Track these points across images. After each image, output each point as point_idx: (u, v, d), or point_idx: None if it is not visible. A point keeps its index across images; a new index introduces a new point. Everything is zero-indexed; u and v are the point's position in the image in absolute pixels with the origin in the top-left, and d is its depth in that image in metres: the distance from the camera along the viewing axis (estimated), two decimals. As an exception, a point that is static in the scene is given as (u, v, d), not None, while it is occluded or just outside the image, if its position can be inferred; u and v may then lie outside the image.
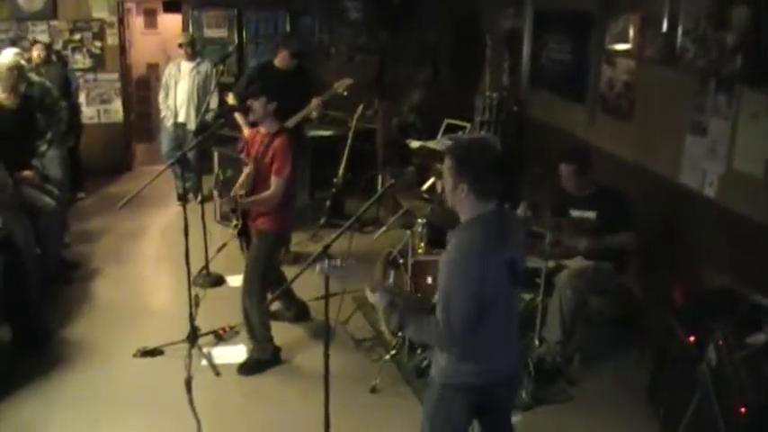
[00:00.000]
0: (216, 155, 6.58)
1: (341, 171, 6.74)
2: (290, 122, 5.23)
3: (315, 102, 5.50)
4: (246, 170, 4.24)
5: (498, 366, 2.54)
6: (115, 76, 8.09)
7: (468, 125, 6.70)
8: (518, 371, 2.87)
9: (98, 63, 8.00)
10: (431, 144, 6.53)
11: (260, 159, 4.14)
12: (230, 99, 6.01)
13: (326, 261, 2.59)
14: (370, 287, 2.56)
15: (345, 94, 5.70)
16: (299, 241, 6.05)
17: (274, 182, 4.07)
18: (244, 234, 4.36)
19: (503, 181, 2.43)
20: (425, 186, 5.13)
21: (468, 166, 2.41)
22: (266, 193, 4.09)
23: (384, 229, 5.38)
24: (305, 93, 5.60)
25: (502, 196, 2.47)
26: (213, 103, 6.84)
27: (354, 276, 2.64)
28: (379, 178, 6.67)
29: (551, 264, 4.07)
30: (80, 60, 7.94)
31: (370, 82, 7.48)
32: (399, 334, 4.21)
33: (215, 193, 4.43)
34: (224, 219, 6.14)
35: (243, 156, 4.43)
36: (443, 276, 2.37)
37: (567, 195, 4.27)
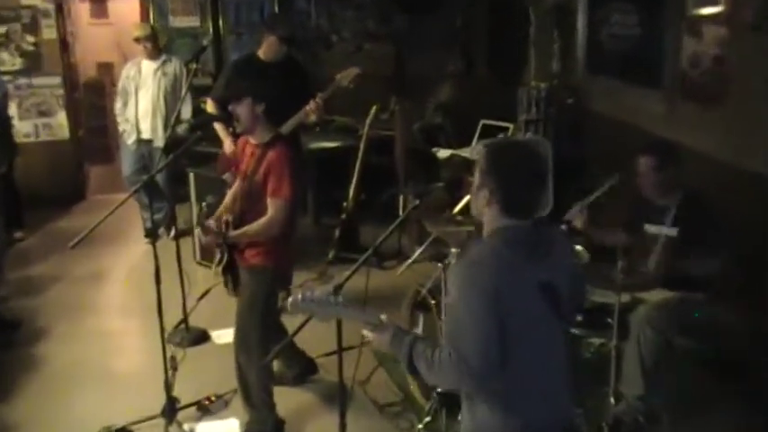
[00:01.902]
0: (192, 178, 6.70)
1: (352, 192, 6.83)
2: (284, 129, 5.31)
3: (313, 102, 5.58)
4: (232, 190, 4.29)
5: (542, 423, 2.53)
6: (56, 80, 8.04)
7: (510, 126, 6.78)
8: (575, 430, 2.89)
9: (32, 63, 7.90)
10: (464, 152, 6.57)
11: (251, 177, 4.21)
12: (208, 106, 6.15)
13: (300, 294, 2.64)
14: (370, 324, 2.63)
15: (352, 86, 5.73)
16: (304, 282, 6.13)
17: (272, 205, 4.13)
18: (230, 271, 4.41)
19: (542, 195, 2.52)
20: (459, 207, 5.12)
21: (498, 171, 2.53)
22: (262, 221, 4.15)
23: (409, 262, 5.39)
24: (300, 89, 5.68)
25: (551, 214, 2.55)
26: (186, 111, 6.96)
27: (344, 314, 2.68)
28: (401, 199, 6.72)
29: (625, 298, 4.06)
30: (7, 60, 7.85)
31: (384, 77, 7.58)
32: (430, 392, 4.23)
33: (196, 232, 4.47)
34: (205, 257, 6.24)
35: (227, 175, 4.53)
36: (451, 298, 2.47)
37: (643, 205, 4.29)
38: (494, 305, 2.38)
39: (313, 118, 5.65)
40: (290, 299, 2.65)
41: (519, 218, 2.52)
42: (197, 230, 4.31)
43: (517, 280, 2.44)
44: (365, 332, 2.64)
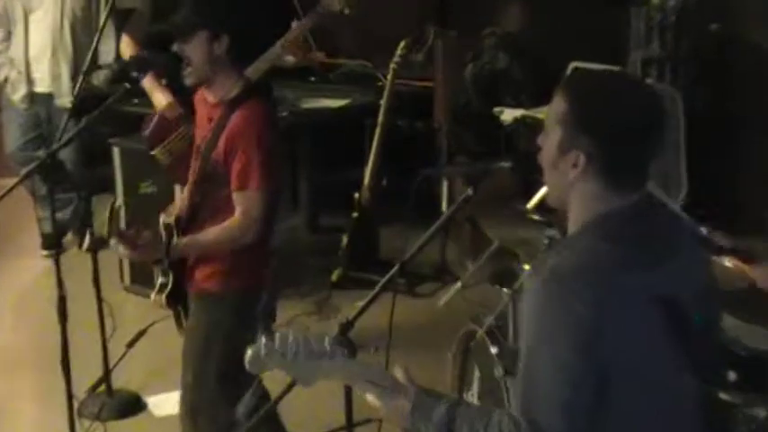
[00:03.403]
0: (117, 155, 6.82)
1: (368, 175, 6.94)
2: (251, 71, 5.31)
3: (295, 28, 5.66)
4: (184, 187, 4.41)
5: None
6: None
7: (616, 70, 6.74)
8: None
9: None
10: (542, 113, 6.34)
11: (205, 154, 4.29)
12: (123, 45, 6.35)
13: (263, 341, 2.51)
14: (377, 387, 2.51)
15: (348, 11, 5.81)
16: (295, 315, 6.24)
17: (240, 198, 4.20)
18: (179, 301, 4.44)
19: (658, 162, 2.43)
20: (536, 199, 5.12)
21: (598, 120, 2.44)
22: (225, 224, 4.22)
23: (457, 287, 5.40)
24: (278, 12, 5.89)
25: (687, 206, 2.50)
26: (107, 50, 7.04)
27: (337, 373, 2.55)
28: (444, 186, 6.82)
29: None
30: None
31: None
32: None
33: (112, 244, 4.45)
34: (138, 280, 6.30)
35: (159, 150, 4.58)
36: (525, 341, 2.43)
37: None
38: (591, 348, 2.32)
39: (289, 59, 5.80)
40: (248, 350, 2.52)
41: (629, 190, 2.46)
42: (112, 241, 4.29)
43: (626, 298, 2.37)
44: (370, 397, 2.53)
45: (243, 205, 4.17)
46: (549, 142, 2.50)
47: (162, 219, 4.36)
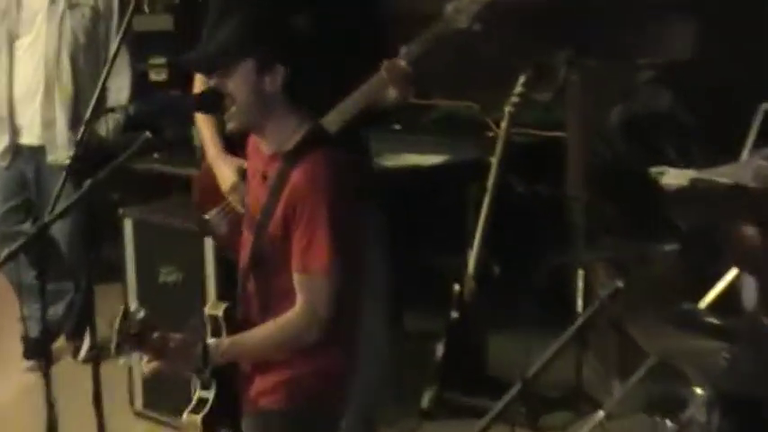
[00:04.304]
0: (129, 228, 6.85)
1: (473, 260, 6.88)
2: (330, 121, 5.37)
3: (391, 64, 5.58)
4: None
5: None
6: None
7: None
8: None
9: None
10: (723, 175, 6.31)
11: (261, 225, 4.34)
12: (154, 73, 6.41)
13: None
14: None
15: (478, 28, 5.69)
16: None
17: (303, 284, 4.23)
18: (219, 424, 4.47)
19: None
20: (712, 295, 5.17)
21: None
22: (284, 318, 4.26)
23: (599, 416, 5.23)
24: (368, 36, 5.74)
25: None
26: (119, 87, 7.16)
27: None
28: (579, 277, 6.79)
29: None
30: None
31: (541, 9, 7.69)
32: None
33: (122, 360, 4.45)
34: (153, 400, 6.31)
35: (214, 216, 4.79)
36: None
37: None
38: None
39: (392, 96, 5.67)
40: None
41: None
42: (122, 359, 4.35)
43: None
44: None
45: (305, 293, 4.20)
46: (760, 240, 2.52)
47: (206, 309, 4.45)
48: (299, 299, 4.20)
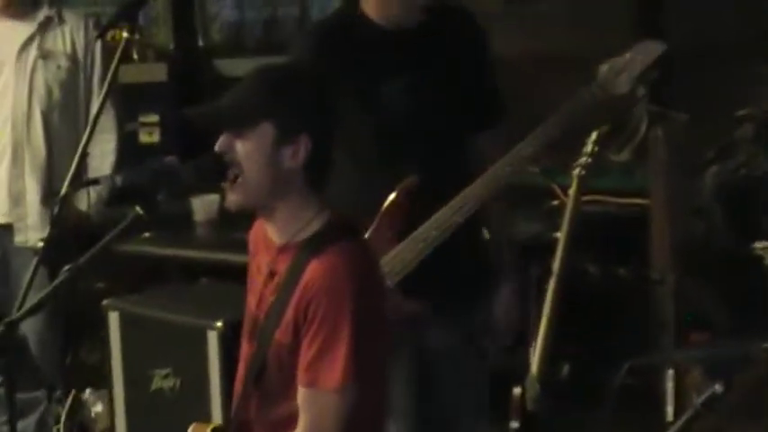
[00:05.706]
0: (115, 323, 6.64)
1: (536, 358, 6.36)
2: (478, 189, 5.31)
3: (551, 124, 5.38)
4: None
5: None
6: None
7: None
8: None
9: None
10: None
11: (264, 331, 4.27)
12: (145, 134, 6.32)
13: None
14: None
15: (641, 93, 5.86)
16: None
17: (308, 400, 4.10)
18: None
19: None
20: None
21: None
22: None
23: None
24: (473, 98, 5.59)
25: None
26: (104, 150, 7.09)
27: None
28: (669, 378, 6.32)
29: None
30: None
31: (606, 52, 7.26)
32: None
33: None
34: None
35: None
36: None
37: None
38: None
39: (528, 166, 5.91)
40: None
41: None
42: None
43: None
44: None
45: (310, 412, 4.13)
46: None
47: (191, 429, 4.46)
48: (302, 419, 4.11)
